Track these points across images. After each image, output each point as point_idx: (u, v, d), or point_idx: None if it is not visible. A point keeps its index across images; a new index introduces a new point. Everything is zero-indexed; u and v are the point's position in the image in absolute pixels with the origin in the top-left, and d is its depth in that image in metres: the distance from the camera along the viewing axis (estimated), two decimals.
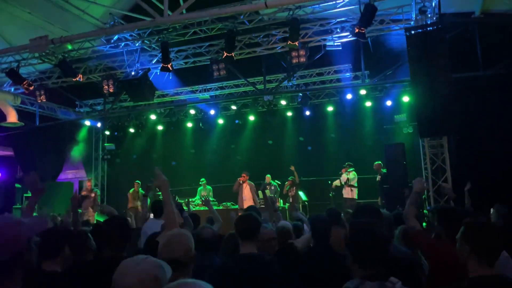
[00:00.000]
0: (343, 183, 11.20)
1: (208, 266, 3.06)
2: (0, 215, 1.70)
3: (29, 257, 1.62)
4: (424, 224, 6.67)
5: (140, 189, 12.39)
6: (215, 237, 3.41)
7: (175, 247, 2.27)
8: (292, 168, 11.69)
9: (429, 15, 8.00)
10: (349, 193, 10.95)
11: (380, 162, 10.93)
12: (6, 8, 8.43)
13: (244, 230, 3.05)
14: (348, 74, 12.02)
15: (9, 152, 13.89)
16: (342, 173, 11.31)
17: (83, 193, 11.93)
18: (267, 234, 3.39)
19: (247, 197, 11.17)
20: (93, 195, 11.70)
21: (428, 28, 7.43)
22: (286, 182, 11.98)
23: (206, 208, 6.81)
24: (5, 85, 11.31)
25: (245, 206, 10.99)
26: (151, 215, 5.47)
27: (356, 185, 11.12)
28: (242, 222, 3.09)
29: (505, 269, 2.61)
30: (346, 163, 11.34)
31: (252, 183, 11.28)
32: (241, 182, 11.17)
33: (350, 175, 11.10)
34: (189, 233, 2.47)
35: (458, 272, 2.33)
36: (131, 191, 12.53)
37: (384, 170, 10.75)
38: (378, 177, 10.88)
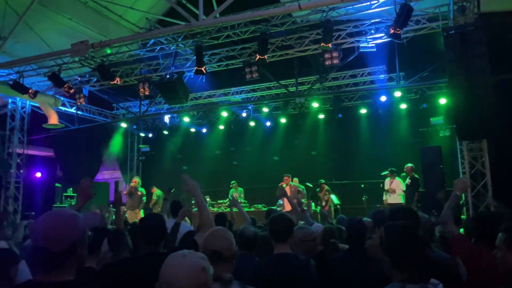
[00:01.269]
0: (387, 188, 10.89)
1: (249, 264, 3.09)
2: (57, 208, 1.80)
3: (81, 249, 1.70)
4: (461, 230, 6.46)
5: (158, 190, 12.41)
6: (256, 237, 3.44)
7: (218, 240, 2.32)
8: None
9: (468, 15, 7.76)
10: (395, 199, 10.65)
11: (412, 165, 10.58)
12: (48, 14, 8.79)
13: (277, 231, 3.06)
14: (382, 75, 11.82)
15: (49, 153, 14.48)
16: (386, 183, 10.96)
17: (125, 192, 12.07)
18: (309, 234, 3.38)
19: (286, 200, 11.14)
20: (139, 193, 11.83)
21: (467, 28, 7.20)
22: (322, 185, 11.86)
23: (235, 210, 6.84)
24: (47, 88, 11.81)
25: (286, 209, 10.99)
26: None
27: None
28: (276, 223, 3.10)
29: None
30: (389, 170, 10.91)
31: (296, 185, 11.23)
32: (283, 185, 11.20)
33: (398, 181, 10.79)
34: (231, 233, 2.51)
35: (498, 280, 2.23)
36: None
37: (416, 175, 10.46)
38: (408, 180, 10.57)
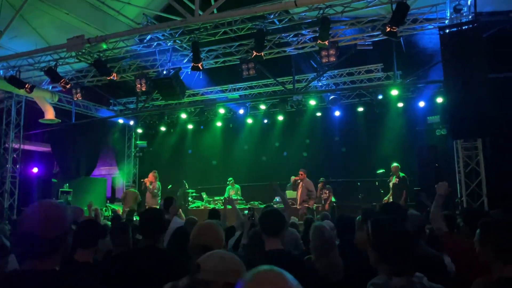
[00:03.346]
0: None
1: None
2: (48, 199, 1.83)
3: (68, 240, 1.72)
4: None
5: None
6: None
7: (206, 233, 2.34)
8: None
9: (465, 14, 7.78)
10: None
11: (397, 164, 10.64)
12: (46, 9, 8.78)
13: (269, 226, 3.06)
14: (379, 74, 11.82)
15: (46, 148, 14.47)
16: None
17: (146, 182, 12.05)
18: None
19: (299, 197, 11.04)
20: (151, 187, 11.78)
21: (463, 27, 7.23)
22: (319, 184, 11.83)
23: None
24: (43, 83, 11.78)
25: (299, 206, 10.88)
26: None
27: None
28: (267, 218, 3.10)
29: None
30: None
31: (309, 181, 11.08)
32: (298, 181, 11.08)
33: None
34: (220, 227, 2.52)
35: (484, 274, 2.25)
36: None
37: (402, 174, 10.52)
38: (396, 179, 10.62)
